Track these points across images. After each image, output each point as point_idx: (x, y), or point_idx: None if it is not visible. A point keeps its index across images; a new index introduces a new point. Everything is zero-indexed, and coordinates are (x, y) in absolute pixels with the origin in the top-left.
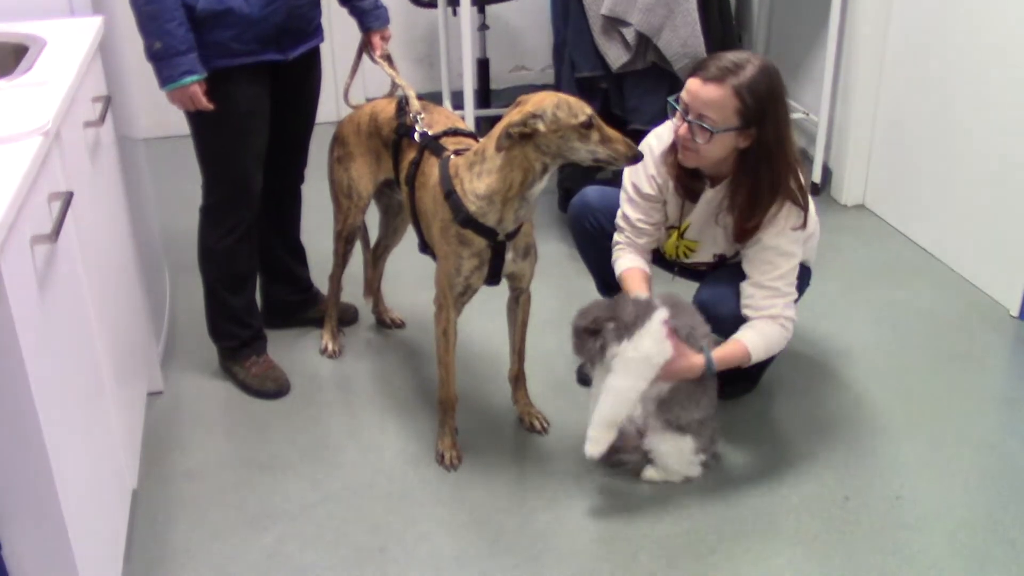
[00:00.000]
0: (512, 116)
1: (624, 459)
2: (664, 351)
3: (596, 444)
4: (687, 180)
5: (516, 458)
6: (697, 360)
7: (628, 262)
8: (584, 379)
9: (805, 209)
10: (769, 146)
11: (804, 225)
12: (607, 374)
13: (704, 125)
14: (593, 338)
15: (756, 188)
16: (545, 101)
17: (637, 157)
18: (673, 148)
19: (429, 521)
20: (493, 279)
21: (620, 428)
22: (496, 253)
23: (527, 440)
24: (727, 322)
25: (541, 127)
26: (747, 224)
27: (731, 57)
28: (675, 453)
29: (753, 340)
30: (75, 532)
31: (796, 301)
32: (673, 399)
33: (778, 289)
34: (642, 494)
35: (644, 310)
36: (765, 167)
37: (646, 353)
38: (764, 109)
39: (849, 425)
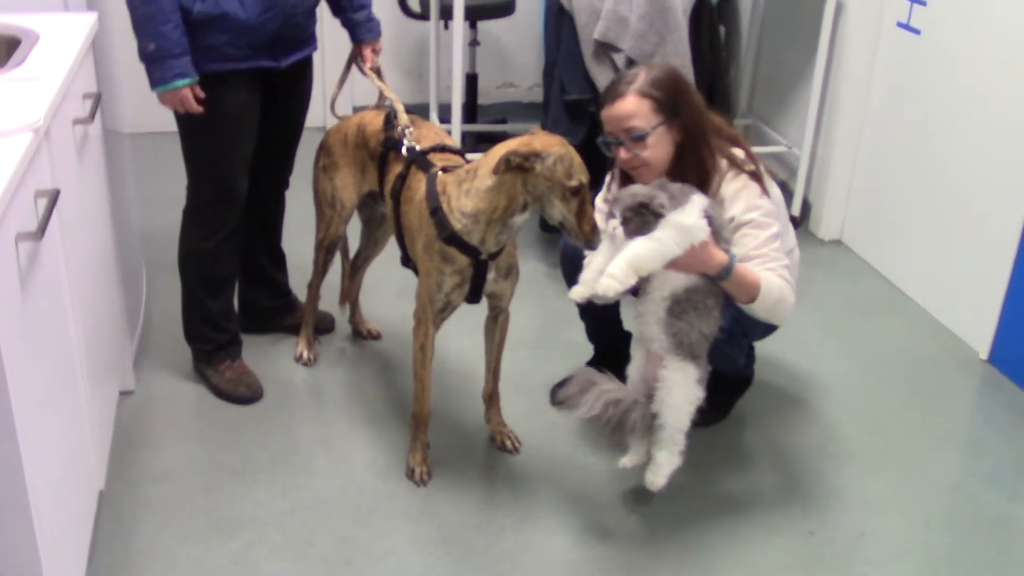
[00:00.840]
0: (519, 146)
1: (632, 421)
2: (703, 230)
3: (613, 281)
4: None
5: (486, 476)
6: (721, 255)
7: None
8: (558, 401)
9: (760, 177)
10: (694, 129)
11: (766, 191)
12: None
13: (635, 135)
14: (647, 210)
15: (692, 167)
16: (553, 147)
17: (591, 245)
18: (620, 176)
19: (397, 535)
20: (474, 297)
21: (622, 398)
22: (478, 272)
23: (498, 459)
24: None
25: (538, 168)
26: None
27: (625, 74)
28: (683, 383)
29: (767, 276)
30: (42, 530)
31: (762, 335)
32: (688, 301)
33: (766, 255)
34: (610, 518)
35: (688, 192)
36: (697, 147)
37: (691, 224)
38: (675, 98)
39: (818, 458)
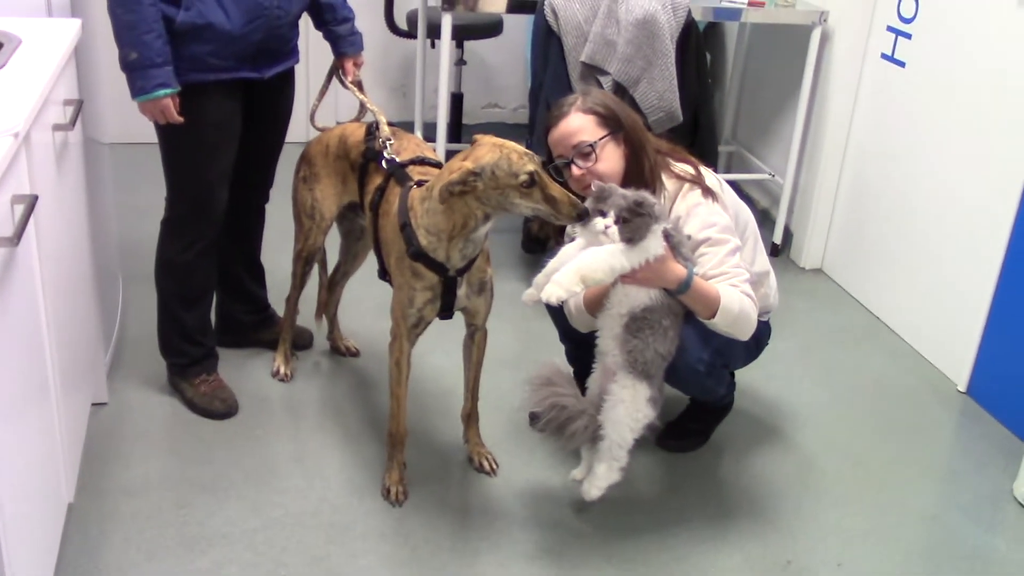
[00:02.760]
0: (452, 174)
1: (573, 428)
2: (659, 248)
3: (557, 288)
4: None
5: (463, 497)
6: (679, 269)
7: None
8: (544, 429)
9: (700, 181)
10: (635, 142)
11: (709, 194)
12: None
13: (583, 149)
14: (644, 211)
15: (637, 181)
16: (485, 157)
17: (581, 215)
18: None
19: (371, 555)
20: (446, 313)
21: (568, 405)
22: (448, 288)
23: (475, 480)
24: (683, 371)
25: (480, 185)
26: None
27: (564, 100)
28: (629, 401)
29: (726, 291)
30: (8, 543)
31: (743, 363)
32: (644, 320)
33: (726, 273)
34: (588, 544)
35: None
36: (639, 159)
37: (655, 244)
38: (616, 114)
39: (796, 487)
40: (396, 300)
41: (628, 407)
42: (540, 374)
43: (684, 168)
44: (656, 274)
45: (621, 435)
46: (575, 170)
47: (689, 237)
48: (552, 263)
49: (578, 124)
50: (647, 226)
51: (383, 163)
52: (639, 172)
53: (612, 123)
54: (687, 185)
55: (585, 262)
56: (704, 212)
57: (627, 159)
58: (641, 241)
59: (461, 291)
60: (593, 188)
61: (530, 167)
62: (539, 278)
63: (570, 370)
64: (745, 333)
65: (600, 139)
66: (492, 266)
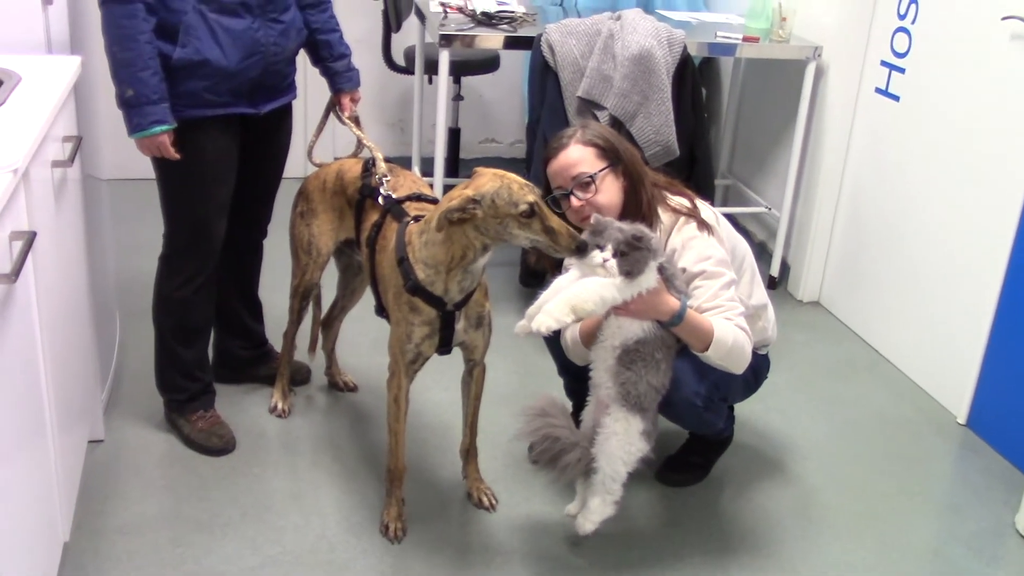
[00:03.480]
0: (452, 201)
1: (566, 460)
2: (652, 280)
3: (548, 318)
4: None
5: (462, 534)
6: (673, 302)
7: None
8: (537, 460)
9: (696, 215)
10: (634, 174)
11: (705, 227)
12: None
13: (583, 179)
14: (643, 244)
15: (634, 214)
16: (486, 186)
17: (580, 248)
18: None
19: None
20: (444, 348)
21: (562, 436)
22: (446, 323)
23: (474, 516)
24: (680, 405)
25: (479, 213)
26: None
27: (563, 133)
28: (623, 434)
29: (720, 324)
30: None
31: (742, 396)
32: (637, 352)
33: (721, 306)
34: None
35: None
36: (637, 192)
37: (648, 278)
38: (615, 147)
39: (797, 521)
40: (394, 336)
41: (621, 440)
42: (535, 405)
43: (680, 202)
44: (649, 306)
45: (614, 468)
46: (574, 201)
47: (684, 270)
48: (545, 294)
49: (577, 156)
50: (645, 260)
51: (379, 199)
52: (637, 205)
53: (611, 155)
54: (683, 219)
55: (576, 293)
56: (699, 245)
57: (625, 192)
58: (640, 275)
59: (459, 325)
60: (591, 221)
61: (530, 197)
62: (531, 309)
63: (566, 403)
64: (739, 366)
65: (599, 171)
66: (490, 300)
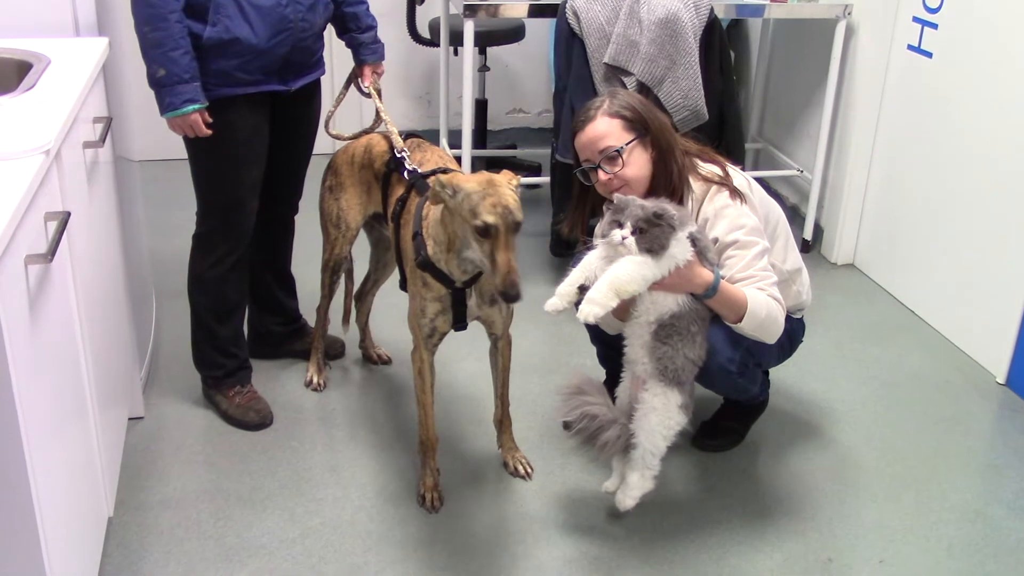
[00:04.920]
0: (445, 177)
1: (605, 438)
2: (687, 253)
3: (593, 306)
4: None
5: (498, 502)
6: (706, 274)
7: None
8: (570, 427)
9: (734, 188)
10: (663, 144)
11: (737, 195)
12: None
13: (610, 153)
14: (663, 220)
15: (664, 184)
16: (470, 184)
17: (507, 295)
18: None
19: (408, 563)
20: (459, 324)
21: (599, 414)
22: (457, 299)
23: (510, 484)
24: (715, 372)
25: (449, 203)
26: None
27: (590, 104)
28: (661, 408)
29: (753, 294)
30: (50, 558)
31: (777, 361)
32: (673, 327)
33: (753, 276)
34: (625, 546)
35: (683, 211)
36: (667, 163)
37: (682, 250)
38: (644, 116)
39: (834, 485)
40: (410, 310)
41: (660, 415)
42: (570, 383)
43: (712, 170)
44: (684, 279)
45: (654, 443)
46: (602, 175)
47: (716, 240)
48: (574, 273)
49: (604, 129)
50: (666, 236)
51: (405, 174)
52: (667, 176)
53: (639, 127)
54: (715, 187)
55: (617, 275)
56: (732, 214)
57: (654, 162)
58: (662, 251)
59: (471, 302)
60: (613, 200)
61: (491, 219)
62: (562, 287)
63: (600, 379)
64: (772, 336)
65: (627, 144)
66: None
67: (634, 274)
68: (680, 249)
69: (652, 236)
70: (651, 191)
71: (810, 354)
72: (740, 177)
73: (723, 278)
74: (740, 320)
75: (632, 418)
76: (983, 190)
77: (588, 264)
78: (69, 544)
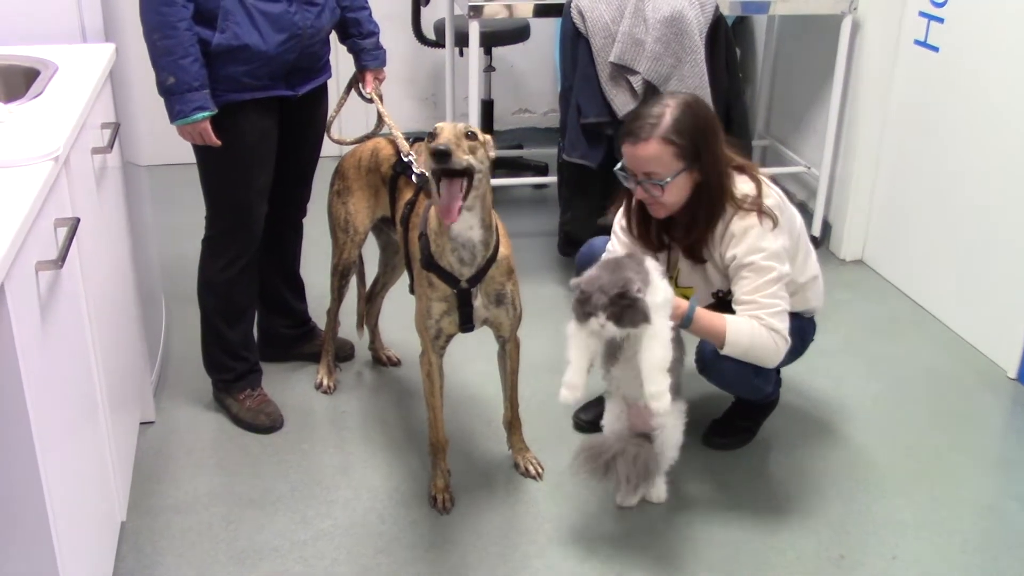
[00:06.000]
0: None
1: (616, 469)
2: (669, 292)
3: (663, 394)
4: (656, 241)
5: (509, 503)
6: (683, 305)
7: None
8: (581, 425)
9: (767, 213)
10: (712, 176)
11: (766, 217)
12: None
13: (654, 181)
14: (628, 298)
15: (702, 208)
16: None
17: (437, 151)
18: (633, 220)
19: (420, 564)
20: (466, 326)
21: (598, 453)
22: (462, 300)
23: (521, 485)
24: (730, 373)
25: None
26: (690, 240)
27: (650, 111)
28: (675, 421)
29: (734, 322)
30: (64, 562)
31: (788, 360)
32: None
33: (754, 302)
34: (637, 544)
35: (642, 263)
36: (712, 193)
37: (665, 295)
38: (697, 142)
39: (846, 481)
40: (416, 312)
41: (676, 426)
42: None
43: (745, 192)
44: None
45: (675, 451)
46: (639, 191)
47: (734, 257)
48: (576, 359)
49: (654, 154)
50: (640, 308)
51: (413, 177)
52: (708, 204)
53: (690, 155)
54: (743, 210)
55: (655, 357)
56: (755, 236)
57: (696, 187)
58: (645, 321)
59: (477, 302)
60: (574, 290)
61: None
62: (572, 377)
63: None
64: (763, 362)
65: (673, 174)
66: (517, 280)
67: (662, 347)
68: (663, 297)
69: (628, 316)
70: (688, 211)
71: (820, 351)
72: (775, 195)
73: (732, 295)
74: (722, 347)
75: (636, 440)
76: (992, 184)
77: (582, 345)
78: (82, 548)
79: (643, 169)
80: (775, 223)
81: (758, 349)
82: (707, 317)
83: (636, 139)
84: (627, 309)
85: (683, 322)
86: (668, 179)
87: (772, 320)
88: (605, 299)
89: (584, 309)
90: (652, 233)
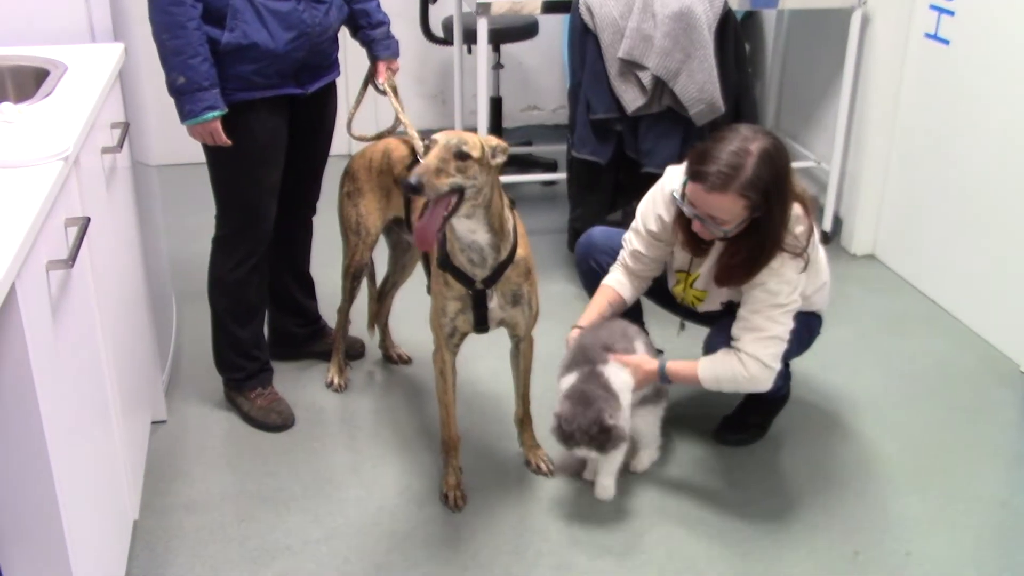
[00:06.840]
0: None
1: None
2: (628, 376)
3: (610, 488)
4: (696, 242)
5: (521, 500)
6: (653, 366)
7: (611, 280)
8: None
9: (803, 255)
10: (773, 230)
11: (804, 268)
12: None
13: (718, 224)
14: (601, 427)
15: (756, 250)
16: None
17: (408, 185)
18: (681, 215)
19: (432, 562)
20: (481, 326)
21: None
22: (477, 301)
23: (533, 482)
24: None
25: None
26: (745, 278)
27: (728, 156)
28: (655, 418)
29: (704, 365)
30: (77, 561)
31: (795, 353)
32: (642, 395)
33: (749, 320)
34: (650, 539)
35: (594, 361)
36: (765, 245)
37: (624, 382)
38: (769, 194)
39: (859, 477)
40: (432, 310)
41: (655, 418)
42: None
43: (796, 232)
44: (641, 380)
45: (656, 443)
46: (697, 224)
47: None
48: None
49: (726, 206)
50: (617, 434)
51: None
52: (760, 252)
53: (760, 209)
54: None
55: (615, 463)
56: (786, 271)
57: (754, 221)
58: (621, 440)
59: (493, 303)
60: (554, 428)
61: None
62: (604, 479)
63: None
64: (752, 391)
65: (737, 224)
66: (535, 281)
67: (628, 401)
68: (626, 376)
69: (609, 441)
70: (734, 250)
71: (831, 346)
72: (816, 237)
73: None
74: (697, 384)
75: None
76: (1003, 177)
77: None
78: (95, 548)
79: (710, 212)
80: (807, 265)
81: (727, 382)
82: (678, 368)
83: (709, 187)
84: (606, 435)
85: (660, 379)
86: (732, 227)
87: (755, 347)
88: (587, 437)
89: (568, 444)
90: (694, 239)
